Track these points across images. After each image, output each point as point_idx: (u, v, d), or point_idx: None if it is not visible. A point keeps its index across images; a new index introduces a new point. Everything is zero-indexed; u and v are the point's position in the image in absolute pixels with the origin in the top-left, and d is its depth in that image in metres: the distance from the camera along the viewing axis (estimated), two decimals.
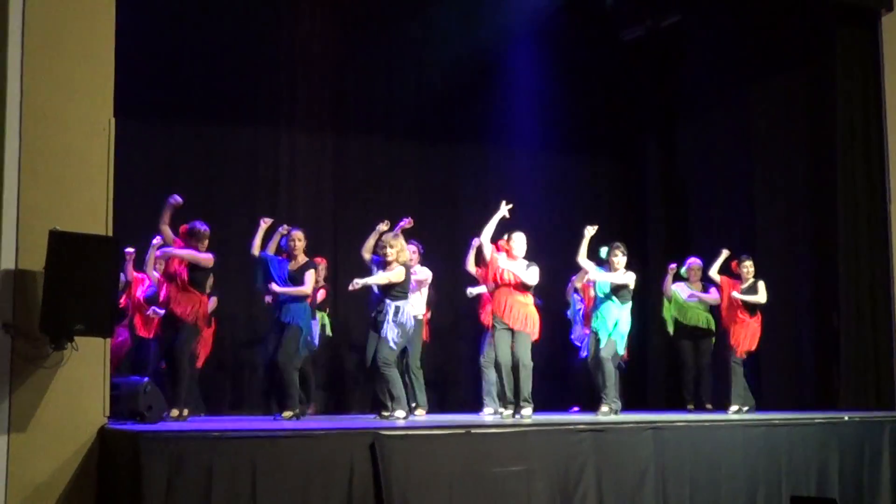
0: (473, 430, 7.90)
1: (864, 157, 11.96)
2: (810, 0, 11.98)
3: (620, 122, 14.34)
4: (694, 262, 11.91)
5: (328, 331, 11.24)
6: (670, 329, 11.89)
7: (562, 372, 12.51)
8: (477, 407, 10.96)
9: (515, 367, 9.53)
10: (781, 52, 12.96)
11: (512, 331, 9.57)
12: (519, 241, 9.78)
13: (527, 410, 9.40)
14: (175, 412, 8.83)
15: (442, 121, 13.12)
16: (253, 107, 12.05)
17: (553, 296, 11.62)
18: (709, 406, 11.60)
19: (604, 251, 10.43)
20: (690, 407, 11.65)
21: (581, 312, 11.49)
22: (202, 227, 9.14)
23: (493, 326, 9.69)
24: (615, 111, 14.24)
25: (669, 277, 11.69)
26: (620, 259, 10.33)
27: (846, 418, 10.03)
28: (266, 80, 12.11)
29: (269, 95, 12.19)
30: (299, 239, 9.58)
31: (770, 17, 12.76)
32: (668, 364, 13.17)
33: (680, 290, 11.78)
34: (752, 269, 11.13)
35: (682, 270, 11.90)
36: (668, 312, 11.85)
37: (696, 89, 14.17)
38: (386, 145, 12.88)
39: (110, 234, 7.46)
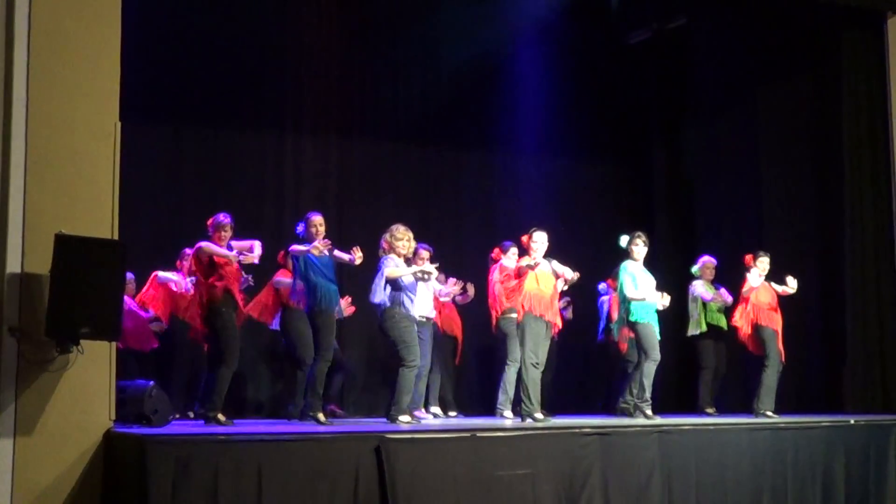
0: (479, 434, 7.87)
1: (871, 158, 11.95)
2: (816, 2, 11.96)
3: (626, 125, 14.32)
4: (708, 260, 11.79)
5: None
6: (693, 330, 11.68)
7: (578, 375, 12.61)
8: (490, 409, 10.90)
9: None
10: (787, 55, 12.95)
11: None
12: (540, 239, 9.80)
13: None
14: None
15: (448, 124, 13.12)
16: (258, 111, 12.06)
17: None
18: (714, 410, 11.54)
19: (624, 240, 10.33)
20: (710, 411, 11.41)
21: (608, 303, 11.74)
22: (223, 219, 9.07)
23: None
24: (621, 114, 14.21)
25: (715, 299, 11.59)
26: (641, 249, 10.25)
27: (852, 422, 10.00)
28: (271, 85, 12.11)
29: (275, 99, 12.19)
30: (321, 224, 9.28)
31: (776, 20, 12.74)
32: (678, 366, 13.10)
33: (703, 290, 11.65)
34: (767, 267, 11.06)
35: (695, 269, 11.80)
36: (703, 318, 11.64)
37: (702, 92, 14.15)
38: (391, 149, 12.87)
39: (116, 237, 7.47)
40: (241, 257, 8.97)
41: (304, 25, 12.32)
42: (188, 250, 10.45)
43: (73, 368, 7.19)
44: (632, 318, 10.08)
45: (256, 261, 9.10)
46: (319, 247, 8.96)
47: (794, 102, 12.99)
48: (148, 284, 10.65)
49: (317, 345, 9.11)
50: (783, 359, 10.98)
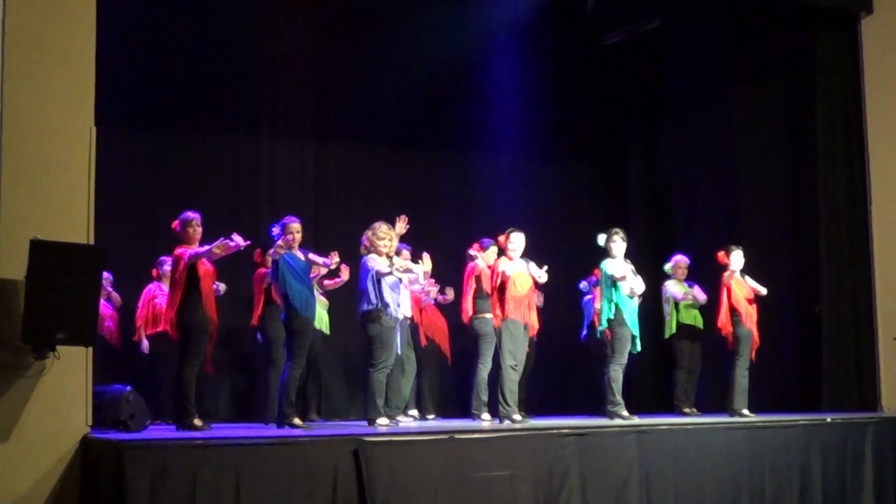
0: (457, 436, 7.87)
1: (845, 158, 12.02)
2: (790, 3, 12.03)
3: (602, 126, 14.36)
4: (681, 259, 11.82)
5: (326, 329, 11.06)
6: (669, 332, 11.69)
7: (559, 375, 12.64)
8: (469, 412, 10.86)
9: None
10: (762, 55, 13.04)
11: None
12: (518, 240, 9.80)
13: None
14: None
15: (424, 126, 13.12)
16: (234, 114, 12.03)
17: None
18: (694, 410, 11.55)
19: (601, 238, 10.26)
20: (688, 411, 11.39)
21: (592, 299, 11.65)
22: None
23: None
24: (597, 115, 14.25)
25: (686, 298, 11.60)
26: (619, 245, 10.19)
27: (829, 420, 10.05)
28: (247, 87, 12.08)
29: (250, 102, 12.16)
30: (298, 231, 9.02)
31: (750, 21, 12.83)
32: (654, 366, 13.13)
33: (675, 290, 11.67)
34: (742, 259, 10.96)
35: (668, 267, 11.81)
36: (675, 318, 11.63)
37: (677, 93, 14.22)
38: (367, 151, 12.87)
39: (91, 242, 7.45)
40: (226, 241, 8.54)
41: (280, 29, 12.30)
42: (164, 258, 10.39)
43: (50, 374, 7.17)
44: (616, 303, 10.04)
45: (242, 244, 8.80)
46: (282, 244, 8.86)
47: (770, 102, 13.08)
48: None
49: (290, 351, 8.91)
50: (753, 356, 10.92)
